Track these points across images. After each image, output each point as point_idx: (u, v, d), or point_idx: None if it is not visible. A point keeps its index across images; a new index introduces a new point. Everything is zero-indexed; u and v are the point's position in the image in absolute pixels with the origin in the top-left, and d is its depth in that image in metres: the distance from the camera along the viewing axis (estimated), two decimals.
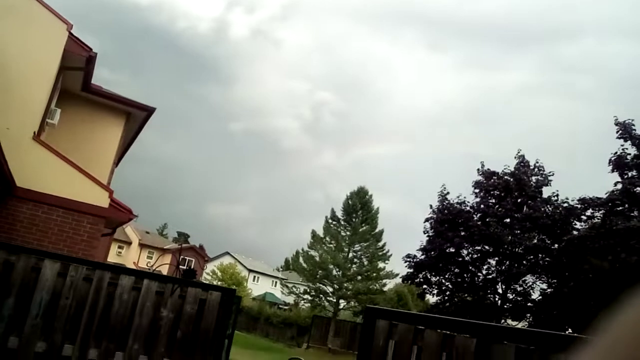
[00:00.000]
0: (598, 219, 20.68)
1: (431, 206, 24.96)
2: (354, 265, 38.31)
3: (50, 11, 11.43)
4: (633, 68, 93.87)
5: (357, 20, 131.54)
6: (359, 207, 39.09)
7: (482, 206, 24.16)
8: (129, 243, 58.07)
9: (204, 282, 42.64)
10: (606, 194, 20.34)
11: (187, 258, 55.51)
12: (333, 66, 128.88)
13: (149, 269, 7.04)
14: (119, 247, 55.84)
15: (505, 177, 23.77)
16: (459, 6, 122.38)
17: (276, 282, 67.94)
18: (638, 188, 19.35)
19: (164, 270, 18.53)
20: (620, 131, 20.07)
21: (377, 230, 39.04)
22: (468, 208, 24.44)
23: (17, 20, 11.03)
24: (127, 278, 5.22)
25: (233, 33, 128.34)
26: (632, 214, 19.39)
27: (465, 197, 24.66)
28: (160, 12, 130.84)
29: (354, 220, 38.90)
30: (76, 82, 13.10)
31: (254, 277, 67.75)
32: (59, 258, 5.26)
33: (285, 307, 46.53)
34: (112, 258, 45.50)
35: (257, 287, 63.74)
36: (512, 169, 23.78)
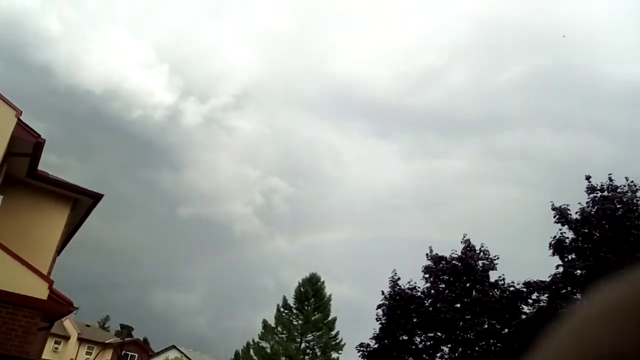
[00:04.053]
0: (544, 302, 21.16)
1: (383, 292, 24.91)
2: (306, 357, 37.10)
3: None
4: (563, 156, 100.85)
5: (307, 109, 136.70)
6: (311, 295, 38.55)
7: (432, 291, 24.31)
8: (67, 338, 54.20)
9: None
10: (549, 277, 20.99)
11: (130, 353, 52.18)
12: (284, 153, 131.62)
13: None
14: (56, 342, 52.00)
15: (454, 261, 24.21)
16: (403, 97, 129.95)
17: None
18: (578, 271, 20.12)
19: None
20: (558, 216, 21.12)
21: (329, 319, 38.35)
22: (419, 293, 24.53)
23: None
24: None
25: (186, 120, 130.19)
26: (575, 296, 19.99)
27: (415, 282, 24.81)
28: (115, 100, 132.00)
29: (306, 308, 38.19)
30: (22, 168, 12.86)
31: None
32: None
33: None
34: (48, 355, 42.15)
35: None
36: (460, 254, 24.32)
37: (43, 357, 18.79)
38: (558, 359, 0.47)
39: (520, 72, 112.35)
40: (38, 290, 10.34)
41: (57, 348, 52.05)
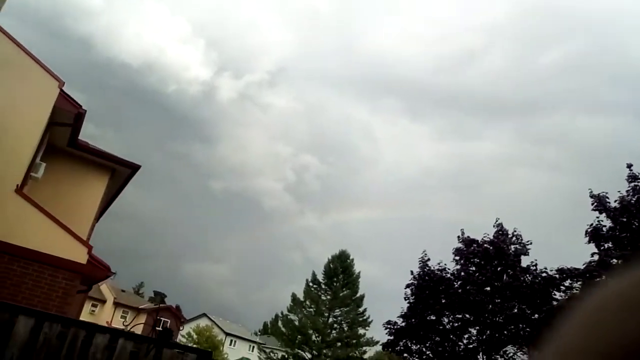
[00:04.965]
0: (576, 289, 20.79)
1: (412, 272, 24.89)
2: (333, 331, 37.57)
3: (43, 68, 11.74)
4: (601, 141, 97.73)
5: (341, 87, 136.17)
6: (340, 271, 38.84)
7: (462, 273, 24.15)
8: (103, 301, 56.34)
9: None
10: (584, 264, 20.57)
11: (163, 319, 53.85)
12: (317, 130, 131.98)
13: (125, 328, 6.92)
14: (93, 305, 54.14)
15: (485, 245, 23.94)
16: (437, 77, 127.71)
17: (254, 347, 65.91)
18: (614, 260, 19.63)
19: (138, 331, 18.00)
20: (596, 203, 20.56)
21: (357, 295, 38.62)
22: (449, 275, 24.41)
23: (10, 75, 11.28)
24: (102, 337, 5.16)
25: (221, 96, 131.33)
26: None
27: (445, 264, 24.67)
28: (151, 73, 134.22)
29: (334, 284, 38.53)
30: (63, 137, 13.24)
31: (231, 340, 65.71)
32: (33, 314, 5.20)
33: None
34: (85, 316, 43.90)
35: (234, 352, 61.71)
36: (492, 237, 24.01)
37: (80, 318, 19.57)
38: (570, 347, 0.49)
39: (558, 55, 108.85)
40: (78, 254, 10.74)
41: (94, 311, 54.20)
